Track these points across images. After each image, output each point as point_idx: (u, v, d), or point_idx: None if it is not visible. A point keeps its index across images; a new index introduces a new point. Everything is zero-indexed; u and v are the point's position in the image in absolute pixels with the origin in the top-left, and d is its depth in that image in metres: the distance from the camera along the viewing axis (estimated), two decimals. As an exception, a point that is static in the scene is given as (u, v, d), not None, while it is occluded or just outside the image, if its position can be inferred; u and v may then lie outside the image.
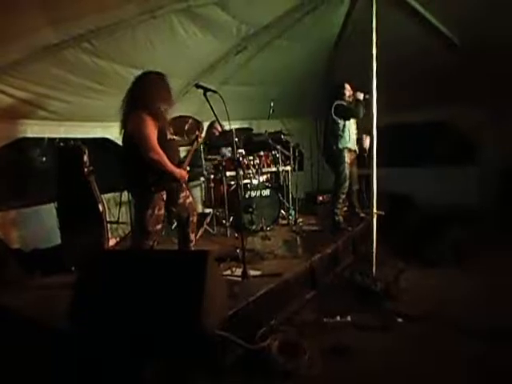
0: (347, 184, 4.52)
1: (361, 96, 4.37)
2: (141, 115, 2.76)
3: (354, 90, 4.49)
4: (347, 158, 4.49)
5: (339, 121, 4.45)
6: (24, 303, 2.81)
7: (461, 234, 4.18)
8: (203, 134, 3.41)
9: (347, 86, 4.55)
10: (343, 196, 4.56)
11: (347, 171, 4.48)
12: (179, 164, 3.01)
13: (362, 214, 4.86)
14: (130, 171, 2.92)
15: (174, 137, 3.14)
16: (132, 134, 2.79)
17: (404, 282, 3.35)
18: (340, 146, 4.45)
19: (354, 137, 4.59)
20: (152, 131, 2.78)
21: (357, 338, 2.65)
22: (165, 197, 2.95)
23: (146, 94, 2.81)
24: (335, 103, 4.47)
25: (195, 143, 3.39)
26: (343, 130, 4.45)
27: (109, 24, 3.09)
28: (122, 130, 2.91)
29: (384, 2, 3.55)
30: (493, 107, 5.63)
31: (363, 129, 4.91)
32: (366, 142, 5.08)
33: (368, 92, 3.80)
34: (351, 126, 4.54)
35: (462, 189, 5.83)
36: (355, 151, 4.73)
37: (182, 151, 3.85)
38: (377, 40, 3.30)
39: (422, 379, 2.25)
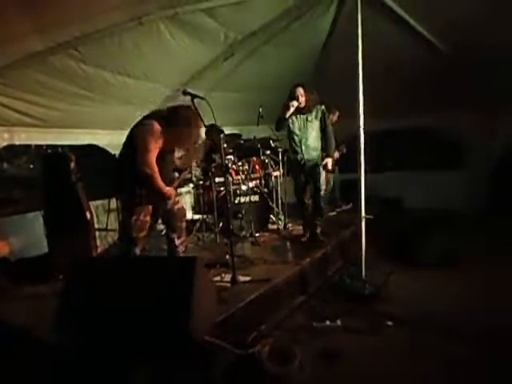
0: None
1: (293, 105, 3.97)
2: (156, 128, 2.77)
3: (308, 92, 4.03)
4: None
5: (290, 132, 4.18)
6: (10, 313, 2.75)
7: (450, 238, 4.22)
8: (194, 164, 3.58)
9: (297, 91, 4.03)
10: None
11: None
12: (169, 183, 3.03)
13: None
14: (120, 177, 2.92)
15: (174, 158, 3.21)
16: (135, 138, 2.79)
17: (393, 286, 3.38)
18: (295, 158, 4.19)
19: (310, 146, 4.09)
20: (155, 147, 2.78)
21: (347, 342, 2.66)
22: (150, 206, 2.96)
23: (183, 128, 2.87)
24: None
25: (186, 170, 3.48)
26: (295, 142, 4.15)
27: (95, 31, 3.08)
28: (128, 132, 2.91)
29: (369, 9, 3.63)
30: (482, 112, 5.73)
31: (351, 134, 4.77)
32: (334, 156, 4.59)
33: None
34: (302, 136, 4.10)
35: (451, 193, 5.92)
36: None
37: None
38: (363, 46, 3.35)
39: (412, 383, 2.26)
